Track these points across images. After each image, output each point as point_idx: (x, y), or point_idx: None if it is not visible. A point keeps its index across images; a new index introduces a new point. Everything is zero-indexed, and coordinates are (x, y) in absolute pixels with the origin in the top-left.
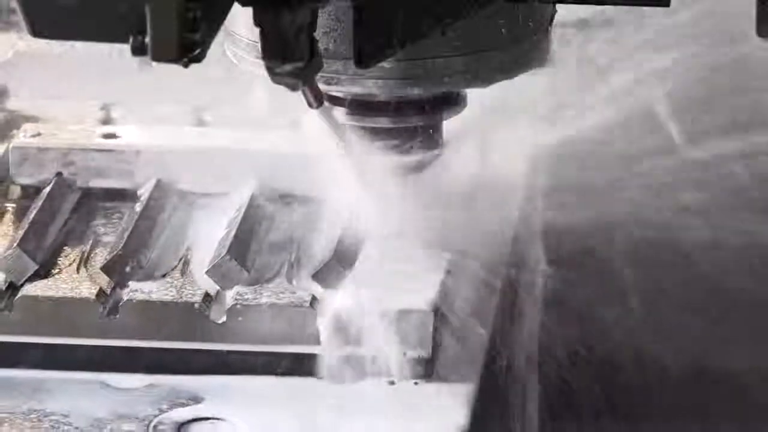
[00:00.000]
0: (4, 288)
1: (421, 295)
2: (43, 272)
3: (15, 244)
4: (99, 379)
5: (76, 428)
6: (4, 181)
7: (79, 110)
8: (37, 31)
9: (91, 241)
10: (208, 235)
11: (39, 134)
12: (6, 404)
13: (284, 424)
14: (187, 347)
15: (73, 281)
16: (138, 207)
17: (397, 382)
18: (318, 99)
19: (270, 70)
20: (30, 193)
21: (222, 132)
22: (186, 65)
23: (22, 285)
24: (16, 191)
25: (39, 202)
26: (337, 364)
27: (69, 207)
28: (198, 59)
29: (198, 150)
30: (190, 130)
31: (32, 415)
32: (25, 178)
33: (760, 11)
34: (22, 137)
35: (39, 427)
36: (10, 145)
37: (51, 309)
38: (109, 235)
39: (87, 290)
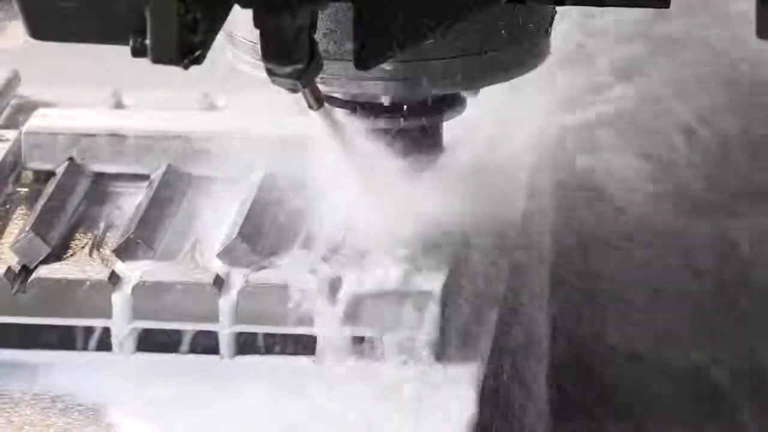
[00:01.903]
0: (17, 271)
1: (429, 276)
2: (56, 255)
3: (28, 228)
4: (111, 360)
5: (88, 409)
6: (17, 166)
7: (91, 95)
8: (36, 33)
9: (103, 225)
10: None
11: (51, 119)
12: (18, 386)
13: (289, 406)
14: (196, 328)
15: (85, 264)
16: (149, 191)
17: (404, 364)
18: (318, 100)
19: (270, 72)
20: (42, 177)
21: (230, 117)
22: (186, 67)
23: (35, 268)
24: (28, 176)
25: (51, 187)
26: (342, 345)
27: (81, 191)
28: (198, 61)
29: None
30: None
31: (44, 396)
32: (37, 162)
33: (760, 12)
34: (34, 122)
35: (51, 408)
36: (22, 131)
37: (64, 291)
38: (120, 218)
39: (99, 273)
